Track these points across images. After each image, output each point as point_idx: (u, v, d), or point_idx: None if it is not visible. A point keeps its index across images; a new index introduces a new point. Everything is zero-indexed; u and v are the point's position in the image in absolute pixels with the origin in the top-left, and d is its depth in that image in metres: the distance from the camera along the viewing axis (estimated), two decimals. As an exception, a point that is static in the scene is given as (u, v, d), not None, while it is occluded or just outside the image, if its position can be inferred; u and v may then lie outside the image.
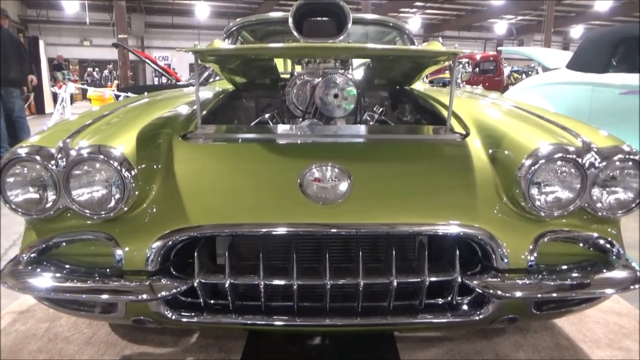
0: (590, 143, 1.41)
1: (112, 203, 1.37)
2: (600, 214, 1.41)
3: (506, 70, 16.09)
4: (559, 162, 1.39)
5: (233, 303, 1.45)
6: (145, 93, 2.56)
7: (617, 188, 1.41)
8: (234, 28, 3.40)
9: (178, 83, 6.51)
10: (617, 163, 1.38)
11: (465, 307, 1.48)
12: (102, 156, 1.35)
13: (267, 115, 2.27)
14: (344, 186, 1.42)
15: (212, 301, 1.49)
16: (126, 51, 13.15)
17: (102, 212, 1.37)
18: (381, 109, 2.33)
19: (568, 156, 1.37)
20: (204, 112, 2.02)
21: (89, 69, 21.81)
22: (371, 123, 2.20)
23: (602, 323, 2.05)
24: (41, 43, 13.70)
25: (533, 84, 5.49)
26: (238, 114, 2.59)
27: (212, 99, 2.27)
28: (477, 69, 13.92)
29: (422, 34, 27.69)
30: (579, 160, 1.37)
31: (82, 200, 1.36)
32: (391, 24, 3.36)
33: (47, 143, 1.38)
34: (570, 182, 1.39)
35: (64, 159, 1.34)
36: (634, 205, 1.40)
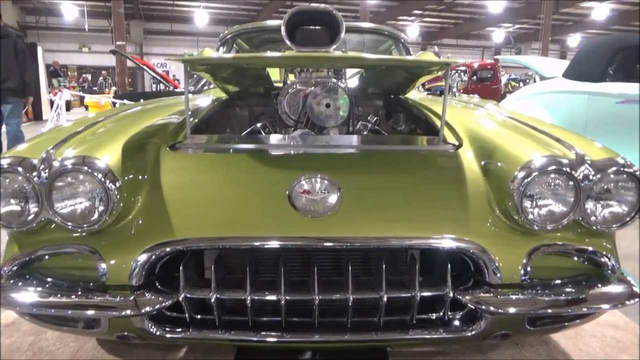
0: (584, 155, 1.38)
1: (96, 215, 1.34)
2: (594, 227, 1.39)
3: (504, 79, 16.14)
4: (552, 175, 1.36)
5: (220, 318, 1.41)
6: (141, 100, 2.54)
7: (612, 201, 1.38)
8: (229, 36, 3.39)
9: (175, 90, 6.50)
10: (612, 176, 1.36)
11: (457, 322, 1.44)
12: (85, 167, 1.32)
13: (259, 125, 2.25)
14: (333, 198, 1.39)
15: (198, 316, 1.46)
16: (124, 58, 13.15)
17: (85, 225, 1.33)
18: (375, 118, 2.31)
19: (562, 169, 1.35)
20: (196, 121, 1.99)
21: (84, 75, 21.81)
22: (364, 133, 2.17)
23: (599, 337, 2.01)
24: (39, 49, 13.73)
25: (530, 93, 5.48)
26: (231, 123, 2.57)
27: (205, 108, 2.25)
28: (475, 77, 13.96)
29: (420, 42, 27.78)
30: (573, 172, 1.35)
31: (65, 212, 1.33)
32: (386, 33, 3.35)
33: (30, 154, 1.35)
34: (564, 195, 1.37)
35: (47, 170, 1.31)
36: (628, 219, 1.37)
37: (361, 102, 2.46)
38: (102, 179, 1.32)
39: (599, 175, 1.35)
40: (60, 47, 23.98)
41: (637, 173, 1.35)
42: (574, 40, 27.87)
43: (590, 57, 4.70)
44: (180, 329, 1.41)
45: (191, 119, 2.02)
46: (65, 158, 1.33)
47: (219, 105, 2.40)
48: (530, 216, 1.36)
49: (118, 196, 1.35)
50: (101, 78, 20.01)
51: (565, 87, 4.84)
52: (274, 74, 2.75)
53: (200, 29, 24.94)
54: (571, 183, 1.35)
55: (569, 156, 1.39)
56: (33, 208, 1.33)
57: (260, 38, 3.48)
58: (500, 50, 29.07)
